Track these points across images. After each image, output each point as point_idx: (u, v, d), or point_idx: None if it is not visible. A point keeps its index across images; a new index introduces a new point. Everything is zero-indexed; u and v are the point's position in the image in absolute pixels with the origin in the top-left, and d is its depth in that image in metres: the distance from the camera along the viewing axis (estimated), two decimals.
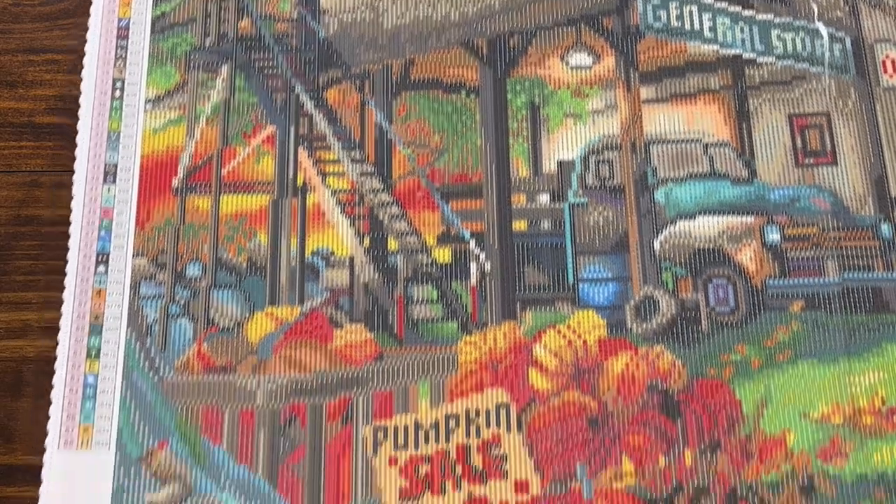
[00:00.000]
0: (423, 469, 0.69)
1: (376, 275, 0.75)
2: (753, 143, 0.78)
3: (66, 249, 0.74)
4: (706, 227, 0.76)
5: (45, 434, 0.69)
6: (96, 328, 0.72)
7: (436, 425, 0.71)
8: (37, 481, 0.68)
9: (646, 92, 0.79)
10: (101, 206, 0.75)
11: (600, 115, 0.79)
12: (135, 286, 0.74)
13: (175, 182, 0.77)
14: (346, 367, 0.72)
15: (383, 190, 0.77)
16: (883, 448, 0.69)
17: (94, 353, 0.71)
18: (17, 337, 0.73)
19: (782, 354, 0.72)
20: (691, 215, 0.76)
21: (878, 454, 0.69)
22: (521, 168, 0.78)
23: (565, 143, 0.78)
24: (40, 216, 0.76)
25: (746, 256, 0.75)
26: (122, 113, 0.78)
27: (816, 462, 0.69)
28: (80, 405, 0.70)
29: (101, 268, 0.74)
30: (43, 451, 0.69)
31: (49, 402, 0.70)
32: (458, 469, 0.69)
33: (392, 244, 0.76)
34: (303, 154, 0.78)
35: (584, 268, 0.75)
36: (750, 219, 0.76)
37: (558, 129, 0.79)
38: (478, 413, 0.71)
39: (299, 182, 0.77)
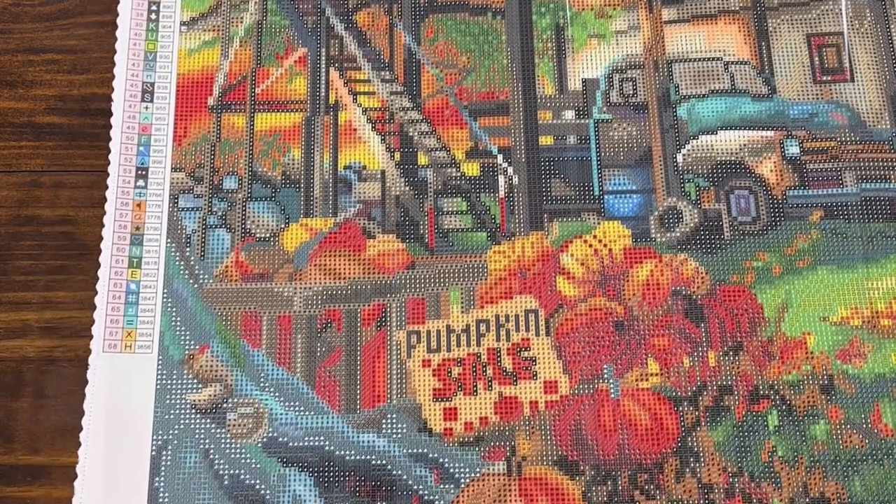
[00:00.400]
0: (456, 371, 0.72)
1: (407, 188, 0.77)
2: (773, 61, 0.80)
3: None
4: (728, 141, 0.78)
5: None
6: (137, 238, 0.74)
7: (467, 330, 0.73)
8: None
9: (667, 13, 0.81)
10: (140, 123, 0.77)
11: (623, 36, 0.81)
12: (173, 199, 0.76)
13: (210, 101, 0.79)
14: (380, 276, 0.74)
15: (413, 108, 0.79)
16: None
17: (135, 263, 0.74)
18: (17, 337, 0.73)
19: (802, 261, 0.74)
20: (713, 130, 0.78)
21: None
22: (546, 86, 0.80)
23: (589, 63, 0.80)
24: (40, 216, 0.76)
25: (767, 169, 0.77)
26: (158, 35, 0.80)
27: (836, 363, 0.71)
28: (123, 311, 0.72)
29: (141, 182, 0.76)
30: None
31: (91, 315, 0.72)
32: (490, 371, 0.72)
33: (422, 159, 0.78)
34: (334, 74, 0.80)
35: (609, 180, 0.77)
36: (770, 133, 0.78)
37: (582, 49, 0.81)
38: (507, 318, 0.73)
39: (331, 100, 0.80)
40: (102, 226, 0.74)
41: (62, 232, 0.76)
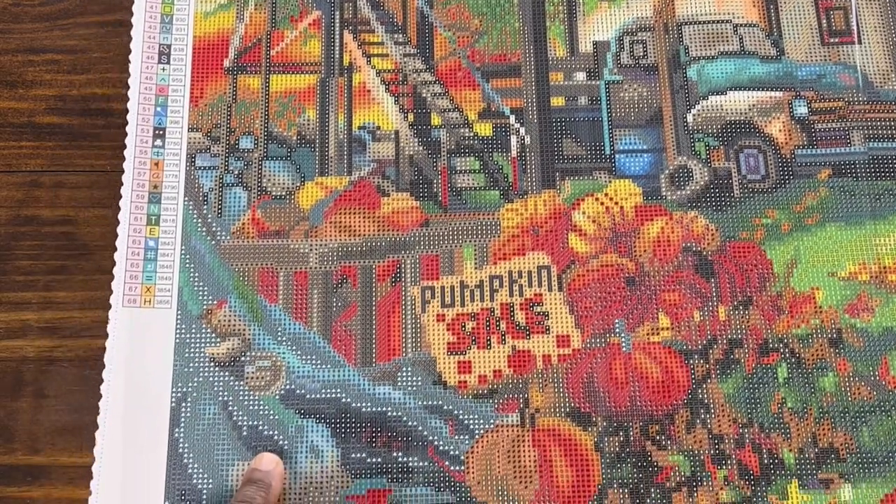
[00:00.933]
0: (470, 325, 0.73)
1: (420, 147, 0.78)
2: (781, 23, 0.81)
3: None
4: (737, 102, 0.79)
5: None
6: (155, 196, 0.75)
7: (480, 285, 0.74)
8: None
9: None
10: (157, 84, 0.78)
11: None
12: (190, 158, 0.77)
13: (226, 62, 0.80)
14: (394, 233, 0.75)
15: (426, 70, 0.80)
16: None
17: (153, 220, 0.75)
18: (17, 337, 0.73)
19: (811, 218, 0.75)
20: (722, 91, 0.79)
21: None
22: (557, 48, 0.81)
23: (600, 25, 0.81)
24: (40, 216, 0.76)
25: (776, 128, 0.78)
26: None
27: (844, 317, 0.72)
28: (142, 267, 0.73)
29: (159, 141, 0.77)
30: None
31: (112, 264, 0.73)
32: (503, 325, 0.73)
33: (435, 119, 0.79)
34: (348, 37, 0.81)
35: (620, 140, 0.78)
36: (779, 94, 0.79)
37: (593, 12, 0.82)
38: (520, 274, 0.74)
39: (345, 62, 0.81)
40: (121, 184, 0.75)
41: (62, 232, 0.76)
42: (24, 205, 0.77)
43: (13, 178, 0.77)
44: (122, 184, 0.75)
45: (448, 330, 0.73)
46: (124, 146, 0.76)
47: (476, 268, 0.74)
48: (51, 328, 0.74)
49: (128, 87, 0.78)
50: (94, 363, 0.72)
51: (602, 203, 0.76)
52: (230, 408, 0.70)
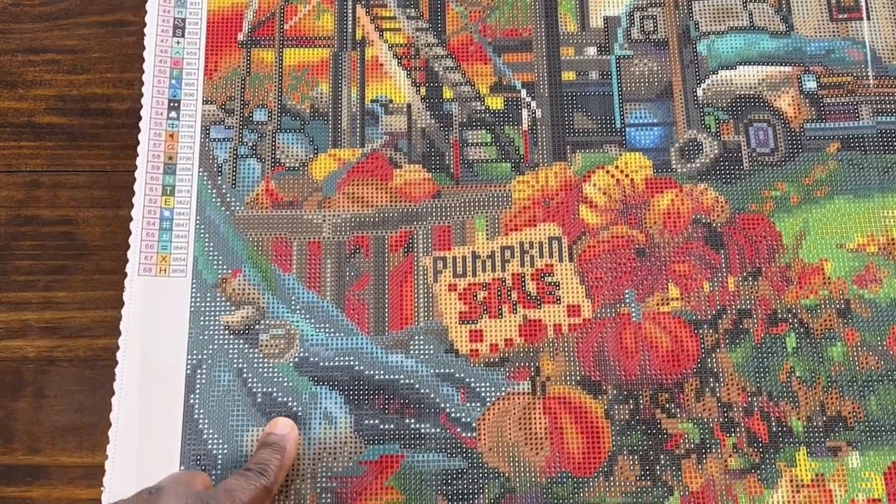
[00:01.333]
0: (481, 295, 0.74)
1: (433, 120, 0.79)
2: (790, 0, 0.82)
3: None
4: (747, 76, 0.79)
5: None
6: (170, 168, 0.76)
7: (492, 256, 0.75)
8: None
9: None
10: (172, 57, 0.79)
11: None
12: (205, 130, 0.78)
13: (240, 36, 0.81)
14: (406, 204, 0.76)
15: (438, 44, 0.81)
16: None
17: (169, 190, 0.75)
18: (17, 337, 0.73)
19: (820, 191, 0.76)
20: (732, 65, 0.80)
21: None
22: (568, 23, 0.82)
23: (611, 0, 0.82)
24: (40, 216, 0.76)
25: (785, 102, 0.79)
26: None
27: (852, 288, 0.73)
28: (157, 236, 0.74)
29: (173, 113, 0.78)
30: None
31: (128, 234, 0.74)
32: (514, 295, 0.74)
33: (447, 93, 0.80)
34: (360, 11, 0.82)
35: (631, 114, 0.79)
36: (788, 68, 0.80)
37: None
38: (531, 245, 0.75)
39: (358, 37, 0.81)
40: (135, 166, 0.76)
41: (62, 232, 0.76)
42: (24, 205, 0.77)
43: (13, 178, 0.77)
44: (137, 154, 0.76)
45: (460, 299, 0.74)
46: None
47: (487, 238, 0.75)
48: (51, 328, 0.74)
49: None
50: (94, 363, 0.73)
51: (612, 175, 0.77)
52: (245, 375, 0.71)
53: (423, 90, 0.80)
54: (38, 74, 0.80)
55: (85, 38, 0.81)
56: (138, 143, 0.76)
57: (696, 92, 0.79)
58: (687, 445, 0.70)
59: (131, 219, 0.74)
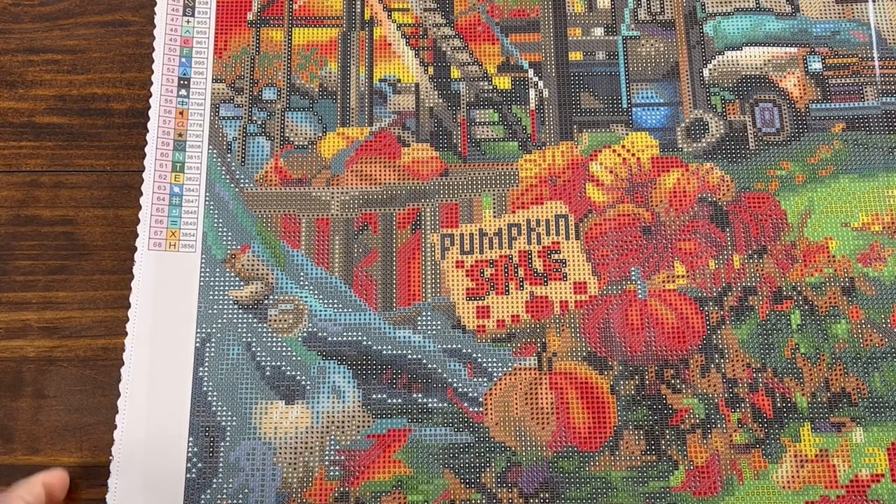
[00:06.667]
0: (488, 272, 0.74)
1: (441, 99, 0.79)
2: None
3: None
4: (753, 57, 0.80)
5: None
6: (180, 144, 0.77)
7: (499, 233, 0.75)
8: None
9: None
10: (182, 36, 0.80)
11: None
12: (215, 108, 0.78)
13: (250, 16, 0.81)
14: (414, 181, 0.77)
15: (446, 24, 0.82)
16: None
17: (178, 167, 0.76)
18: (17, 337, 0.73)
19: (825, 170, 0.76)
20: (738, 46, 0.80)
21: None
22: (576, 4, 0.82)
23: None
24: (40, 216, 0.76)
25: (791, 83, 0.79)
26: None
27: (857, 266, 0.74)
28: (167, 212, 0.75)
29: (183, 91, 0.78)
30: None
31: (137, 208, 0.74)
32: (521, 272, 0.74)
33: (455, 73, 0.80)
34: None
35: (637, 94, 0.79)
36: (793, 49, 0.80)
37: None
38: (538, 223, 0.75)
39: (366, 17, 0.82)
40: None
41: (62, 232, 0.76)
42: (24, 205, 0.77)
43: (13, 178, 0.77)
44: (147, 130, 0.76)
45: (467, 276, 0.74)
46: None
47: (495, 216, 0.76)
48: (51, 328, 0.74)
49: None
50: (94, 363, 0.73)
51: (619, 154, 0.77)
52: (254, 349, 0.72)
53: (431, 70, 0.80)
54: (38, 74, 0.80)
55: (85, 38, 0.81)
56: (145, 133, 0.77)
57: (702, 72, 0.80)
58: (692, 421, 0.70)
59: (139, 201, 0.75)
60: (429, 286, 0.74)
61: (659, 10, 0.82)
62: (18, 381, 0.73)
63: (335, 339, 0.72)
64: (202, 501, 0.68)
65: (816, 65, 0.79)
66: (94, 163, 0.78)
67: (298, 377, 0.71)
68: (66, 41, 0.81)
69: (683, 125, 0.78)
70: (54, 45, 0.81)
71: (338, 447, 0.70)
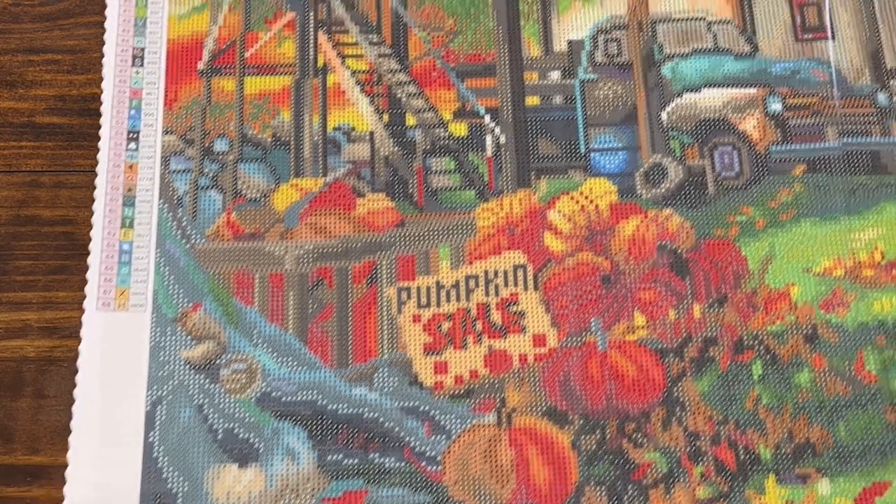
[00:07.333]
0: (446, 325, 0.73)
1: (396, 148, 0.78)
2: (755, 20, 0.81)
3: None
4: (711, 99, 0.79)
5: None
6: (129, 200, 0.75)
7: (456, 285, 0.74)
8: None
9: None
10: (131, 87, 0.78)
11: None
12: (165, 161, 0.77)
13: (200, 65, 0.80)
14: (370, 233, 0.75)
15: (401, 70, 0.80)
16: (882, 298, 0.73)
17: (128, 223, 0.74)
18: (17, 337, 0.73)
19: (786, 214, 0.75)
20: (697, 88, 0.79)
21: (879, 304, 0.73)
22: (532, 48, 0.81)
23: (575, 24, 0.82)
24: (40, 216, 0.76)
25: (750, 125, 0.78)
26: (147, 1, 0.81)
27: (819, 312, 0.73)
28: (116, 270, 0.73)
29: (133, 144, 0.77)
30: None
31: (86, 269, 0.73)
32: (479, 325, 0.73)
33: (410, 120, 0.79)
34: (322, 38, 0.81)
35: (595, 138, 0.78)
36: (753, 90, 0.79)
37: (567, 11, 0.82)
38: (496, 274, 0.74)
39: (320, 63, 0.80)
40: (94, 188, 0.75)
41: (62, 232, 0.76)
42: (24, 205, 0.76)
43: (13, 178, 0.77)
44: (95, 187, 0.75)
45: (424, 330, 0.73)
46: None
47: (452, 268, 0.74)
48: (51, 328, 0.73)
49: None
50: None
51: (577, 201, 0.76)
52: (205, 411, 0.70)
53: (385, 117, 0.79)
54: (38, 74, 0.80)
55: (85, 38, 0.81)
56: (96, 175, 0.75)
57: (660, 115, 0.78)
58: (654, 475, 0.69)
59: (88, 252, 0.73)
60: (385, 341, 0.73)
61: (616, 51, 0.80)
62: (18, 381, 0.72)
63: (289, 398, 0.71)
64: None
65: (776, 105, 0.78)
66: (94, 163, 0.77)
67: (252, 439, 0.70)
68: (66, 41, 0.81)
69: (642, 170, 0.77)
70: (54, 45, 0.81)
71: None
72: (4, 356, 0.73)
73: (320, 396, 0.71)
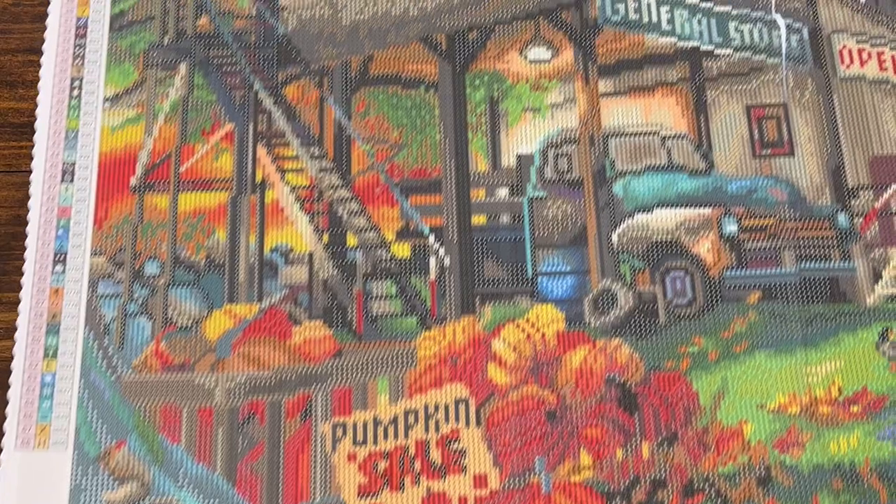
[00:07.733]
0: (382, 465, 0.70)
1: (335, 271, 0.75)
2: (711, 134, 0.78)
3: (24, 249, 0.74)
4: (664, 220, 0.76)
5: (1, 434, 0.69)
6: (53, 327, 0.72)
7: (395, 421, 0.71)
8: None
9: (604, 85, 0.80)
10: (59, 205, 0.75)
11: (559, 109, 0.79)
12: (92, 285, 0.73)
13: (133, 180, 0.77)
14: (305, 364, 0.72)
15: (342, 186, 0.77)
16: (839, 437, 0.69)
17: (51, 353, 0.71)
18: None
19: (739, 346, 0.72)
20: (649, 208, 0.76)
21: (835, 444, 0.69)
22: (479, 162, 0.78)
23: (524, 137, 0.78)
24: None
25: (704, 248, 0.75)
26: (80, 111, 0.78)
27: (773, 453, 0.69)
28: (37, 404, 0.70)
29: (59, 267, 0.73)
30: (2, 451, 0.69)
31: (6, 403, 0.70)
32: (417, 464, 0.70)
33: (351, 240, 0.76)
34: (261, 151, 0.78)
35: (543, 261, 0.75)
36: (707, 210, 0.76)
37: (517, 123, 0.79)
38: (437, 408, 0.71)
39: (258, 179, 0.77)
40: (17, 314, 0.72)
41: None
42: (24, 205, 0.75)
43: (13, 178, 0.76)
44: (18, 314, 0.72)
45: (360, 470, 0.69)
46: None
47: (391, 402, 0.71)
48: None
49: None
50: None
51: (523, 329, 0.73)
52: None
53: (325, 237, 0.76)
54: (38, 74, 0.78)
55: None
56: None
57: (611, 237, 0.75)
58: None
59: (9, 386, 0.70)
60: (318, 483, 0.69)
61: (566, 167, 0.77)
62: None
63: None
64: None
65: (731, 227, 0.75)
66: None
67: None
68: None
69: (591, 296, 0.74)
70: None
71: None
72: (4, 356, 0.71)
73: None
